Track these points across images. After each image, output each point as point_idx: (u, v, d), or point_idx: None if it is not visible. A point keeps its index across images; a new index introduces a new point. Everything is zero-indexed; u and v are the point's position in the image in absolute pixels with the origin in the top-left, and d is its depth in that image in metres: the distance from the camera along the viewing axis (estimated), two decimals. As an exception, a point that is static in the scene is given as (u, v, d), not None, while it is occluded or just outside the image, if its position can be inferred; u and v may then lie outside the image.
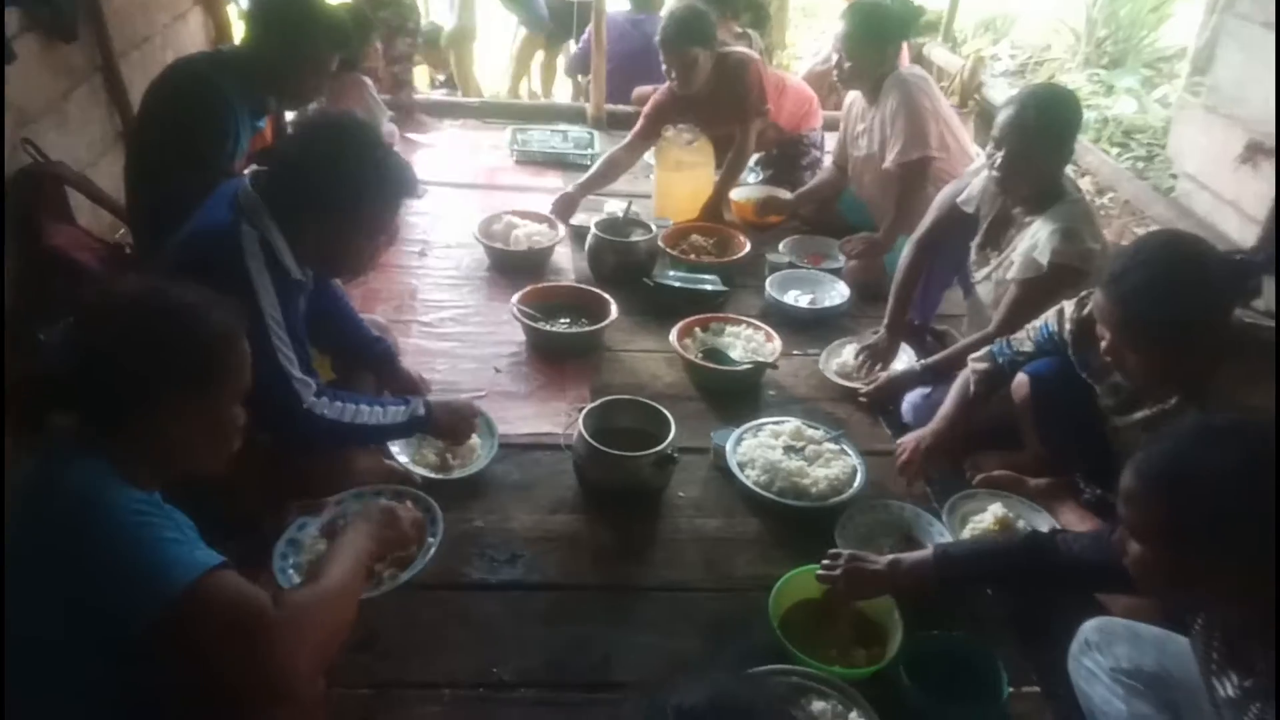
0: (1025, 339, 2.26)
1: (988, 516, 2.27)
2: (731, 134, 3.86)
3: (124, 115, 3.51)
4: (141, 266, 2.71)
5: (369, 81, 4.07)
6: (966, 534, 2.24)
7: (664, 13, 3.74)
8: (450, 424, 2.29)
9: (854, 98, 3.50)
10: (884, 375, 2.80)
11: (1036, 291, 2.36)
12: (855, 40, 3.23)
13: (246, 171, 2.21)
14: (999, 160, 2.44)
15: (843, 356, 2.96)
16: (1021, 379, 2.28)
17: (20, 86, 2.84)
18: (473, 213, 3.88)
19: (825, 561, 1.93)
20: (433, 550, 1.91)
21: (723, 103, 3.73)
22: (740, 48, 3.94)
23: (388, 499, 2.03)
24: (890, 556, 1.91)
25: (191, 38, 4.28)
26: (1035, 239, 2.40)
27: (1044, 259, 2.35)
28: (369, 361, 2.46)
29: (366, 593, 1.70)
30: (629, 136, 3.97)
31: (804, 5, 8.58)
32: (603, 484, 2.34)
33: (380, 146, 1.98)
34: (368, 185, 1.91)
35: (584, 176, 3.96)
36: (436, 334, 3.05)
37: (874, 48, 3.24)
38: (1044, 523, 2.26)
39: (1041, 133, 2.38)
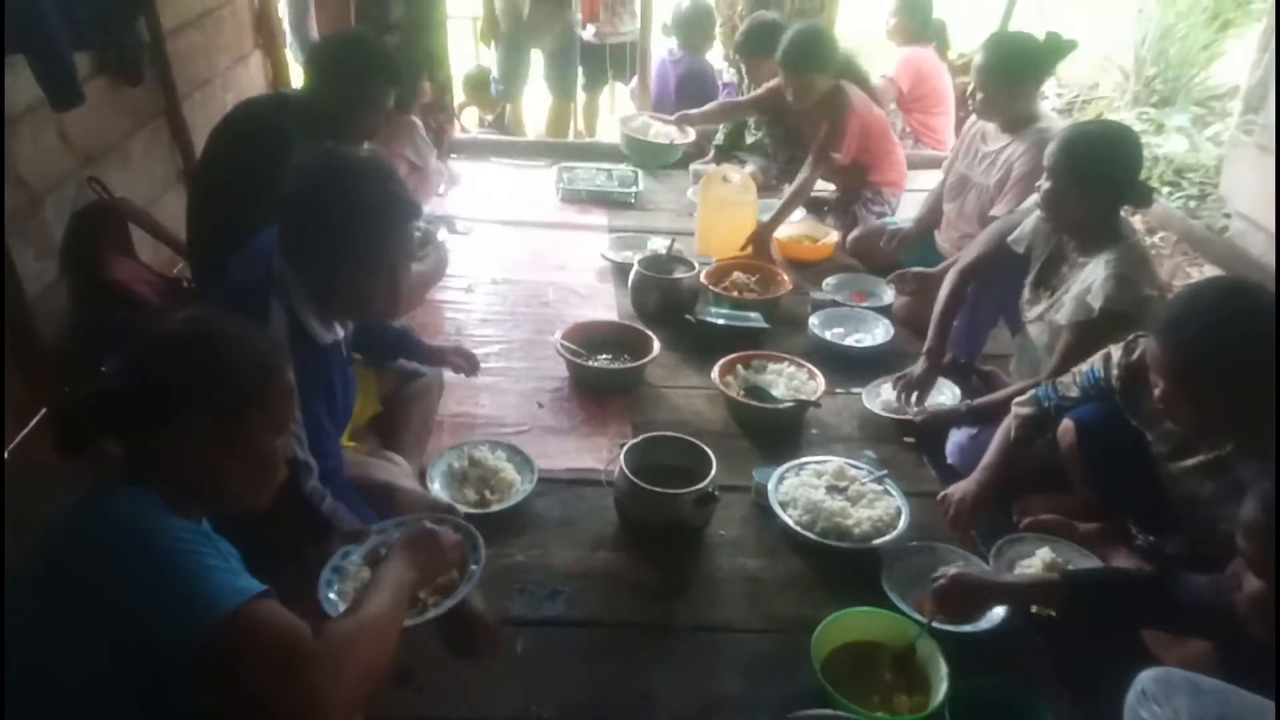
0: (1071, 384, 2.21)
1: (1036, 561, 2.23)
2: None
3: (185, 154, 3.63)
4: (198, 301, 2.78)
5: (418, 122, 4.17)
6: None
7: (788, 32, 3.86)
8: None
9: (981, 123, 3.38)
10: (929, 410, 2.77)
11: (1088, 336, 2.31)
12: (988, 72, 3.16)
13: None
14: (1045, 191, 2.43)
15: (883, 395, 2.93)
16: (1067, 425, 2.24)
17: (88, 127, 2.96)
18: (518, 250, 3.95)
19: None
20: (476, 576, 1.90)
21: (815, 130, 3.89)
22: (859, 92, 3.97)
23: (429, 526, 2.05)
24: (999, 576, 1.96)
25: (251, 80, 4.42)
26: (1088, 282, 2.36)
27: (1096, 303, 2.31)
28: (392, 346, 2.46)
29: (410, 619, 1.70)
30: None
31: (848, 45, 8.60)
32: (644, 521, 2.34)
33: (374, 182, 1.84)
34: (376, 231, 1.82)
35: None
36: (481, 369, 3.08)
37: (1007, 81, 3.14)
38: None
39: (1088, 168, 2.36)
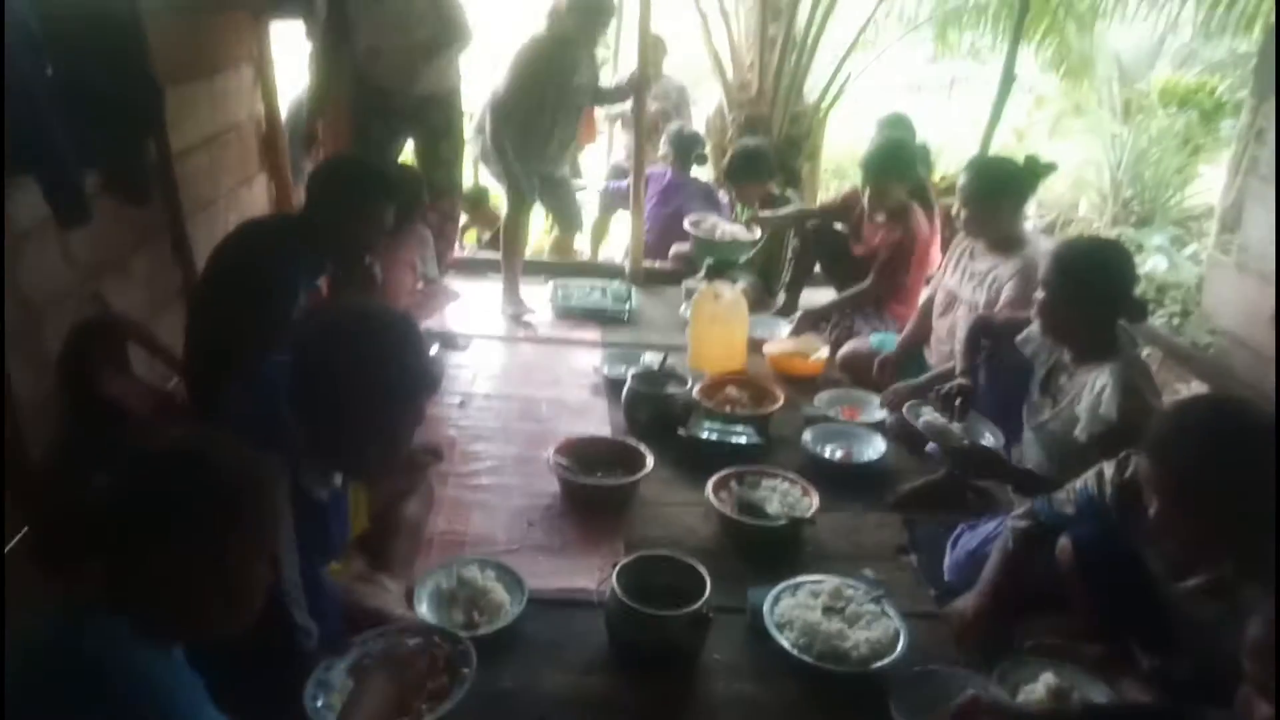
0: (1067, 500, 2.20)
1: (1039, 686, 2.16)
2: (859, 267, 4.16)
3: (186, 272, 3.69)
4: (192, 419, 2.78)
5: (429, 234, 4.19)
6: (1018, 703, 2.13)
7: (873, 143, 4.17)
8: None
9: (971, 241, 3.47)
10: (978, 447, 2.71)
11: (1111, 446, 2.26)
12: (971, 194, 3.28)
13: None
14: (1040, 304, 2.48)
15: (927, 415, 2.84)
16: (1065, 545, 2.21)
17: (92, 243, 3.01)
18: (512, 365, 3.99)
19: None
20: (468, 684, 1.89)
21: (894, 240, 4.03)
22: (925, 220, 4.13)
23: (415, 635, 2.02)
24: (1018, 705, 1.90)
25: (255, 201, 4.54)
26: (1096, 393, 2.38)
27: (1112, 415, 2.32)
28: None
29: None
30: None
31: (835, 168, 8.92)
32: (635, 643, 2.28)
33: (398, 347, 1.78)
34: (393, 401, 1.78)
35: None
36: (471, 486, 3.06)
37: (990, 200, 3.25)
38: (1100, 695, 2.14)
39: (1081, 282, 2.42)
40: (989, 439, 2.82)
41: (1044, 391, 2.63)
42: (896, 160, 4.05)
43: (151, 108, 3.20)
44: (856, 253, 4.25)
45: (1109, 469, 2.10)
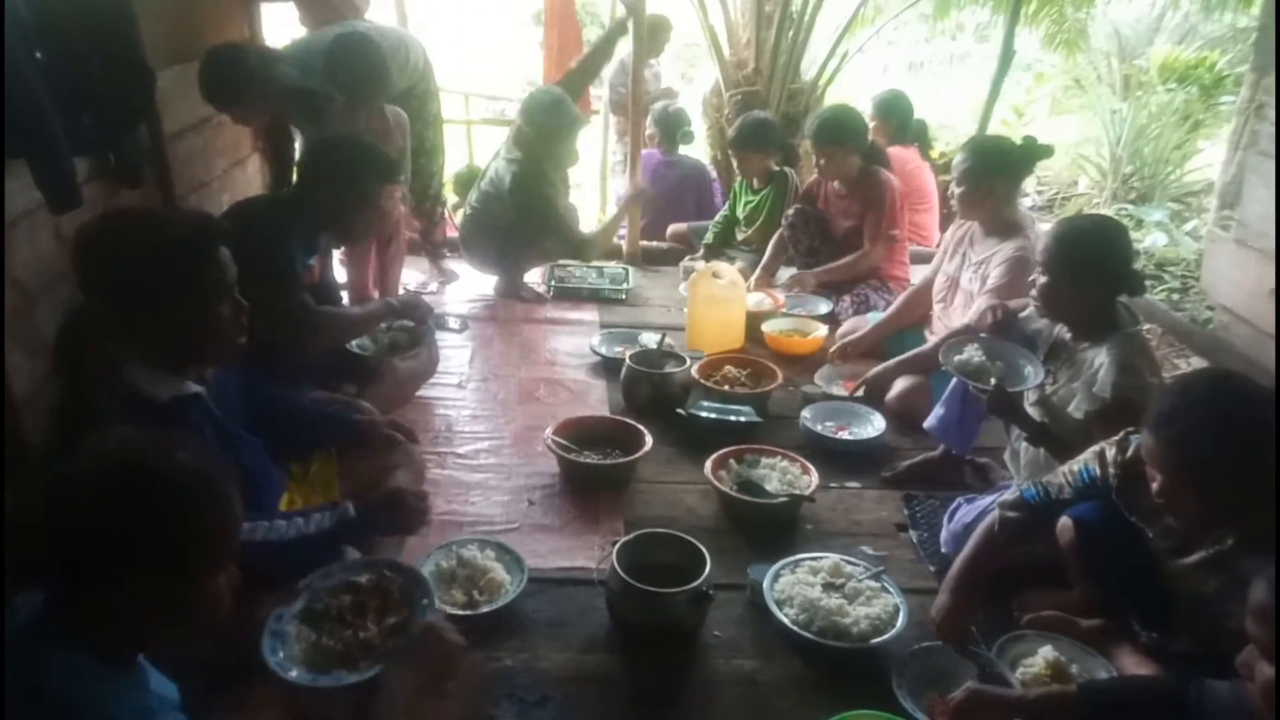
0: (1064, 485, 2.18)
1: (1038, 660, 2.17)
2: (848, 240, 4.24)
3: (180, 254, 3.67)
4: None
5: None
6: (1018, 677, 2.14)
7: (814, 115, 4.30)
8: (392, 515, 2.08)
9: (970, 225, 3.46)
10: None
11: (1106, 424, 2.28)
12: (967, 174, 3.26)
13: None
14: (1040, 286, 2.47)
15: (964, 353, 2.75)
16: (1065, 523, 2.22)
17: (86, 228, 3.00)
18: (510, 346, 3.99)
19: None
20: (428, 612, 1.85)
21: (859, 211, 4.14)
22: (891, 175, 4.19)
23: (366, 571, 1.96)
24: (1017, 691, 1.86)
25: (249, 182, 4.51)
26: (1093, 370, 2.38)
27: (1105, 392, 2.32)
28: (305, 434, 2.43)
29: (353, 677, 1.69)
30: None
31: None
32: (636, 622, 2.28)
33: (155, 233, 1.86)
34: (170, 272, 1.82)
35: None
36: (470, 466, 3.06)
37: (985, 181, 3.24)
38: (1099, 667, 2.15)
39: (1079, 261, 2.41)
40: (1029, 371, 2.68)
41: (1045, 368, 2.63)
42: (838, 127, 4.07)
43: (143, 91, 3.17)
44: (837, 231, 4.29)
45: (1110, 449, 2.09)
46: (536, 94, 4.49)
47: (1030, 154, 3.30)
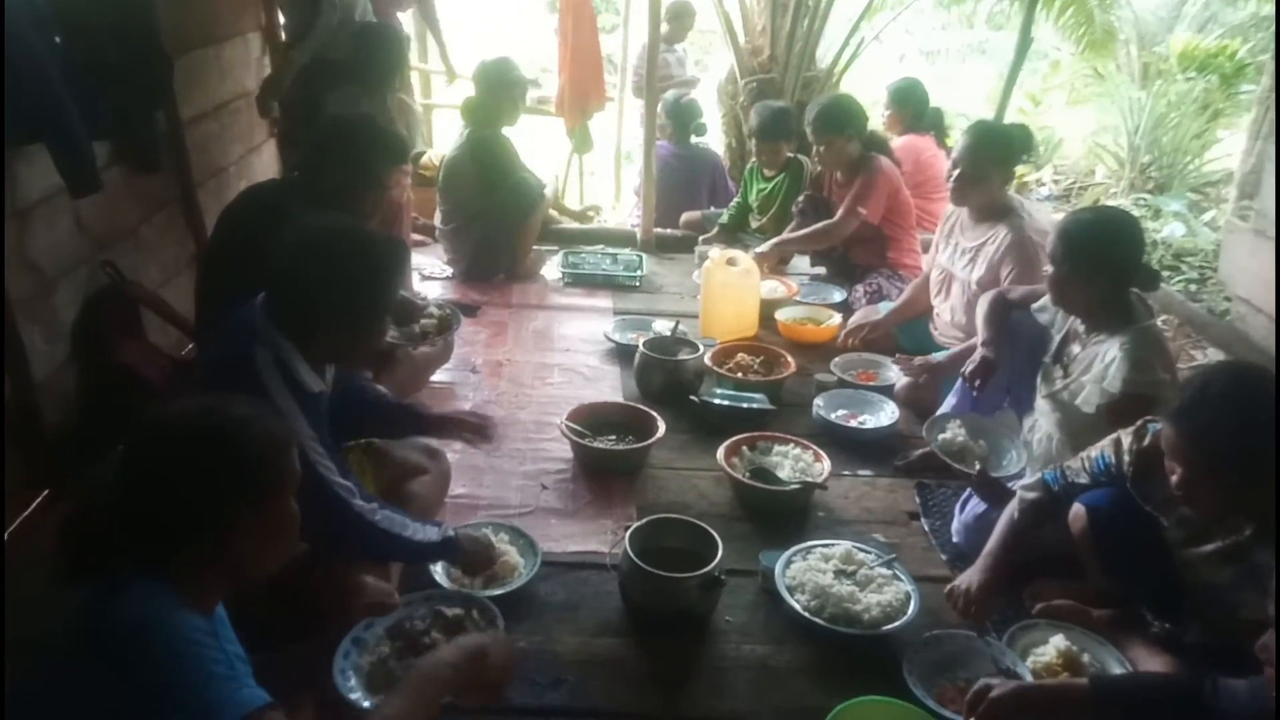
0: (1080, 470, 2.19)
1: (1050, 649, 2.17)
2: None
3: (197, 239, 3.70)
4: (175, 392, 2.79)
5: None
6: (1028, 665, 2.14)
7: (813, 104, 4.27)
8: (473, 554, 2.27)
9: (958, 213, 3.47)
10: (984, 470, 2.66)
11: (1114, 419, 2.27)
12: (962, 156, 3.26)
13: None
14: (1050, 278, 2.46)
15: (948, 432, 2.82)
16: (1079, 510, 2.21)
17: (103, 213, 3.03)
18: (524, 331, 4.00)
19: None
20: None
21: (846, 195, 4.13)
22: (889, 163, 4.20)
23: (456, 605, 2.06)
24: (1021, 685, 1.84)
25: (264, 168, 4.54)
26: (1105, 364, 2.37)
27: (1114, 387, 2.31)
28: (406, 423, 2.48)
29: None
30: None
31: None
32: (648, 606, 2.30)
33: (364, 240, 2.00)
34: (360, 286, 1.94)
35: None
36: (484, 450, 3.07)
37: (981, 167, 3.24)
38: (1110, 657, 2.15)
39: (1088, 254, 2.39)
40: (1012, 455, 2.78)
41: (1057, 360, 2.62)
42: (836, 115, 4.08)
43: (160, 77, 3.20)
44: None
45: (1127, 437, 2.09)
46: (485, 61, 4.57)
47: (1024, 143, 3.38)
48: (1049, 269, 2.50)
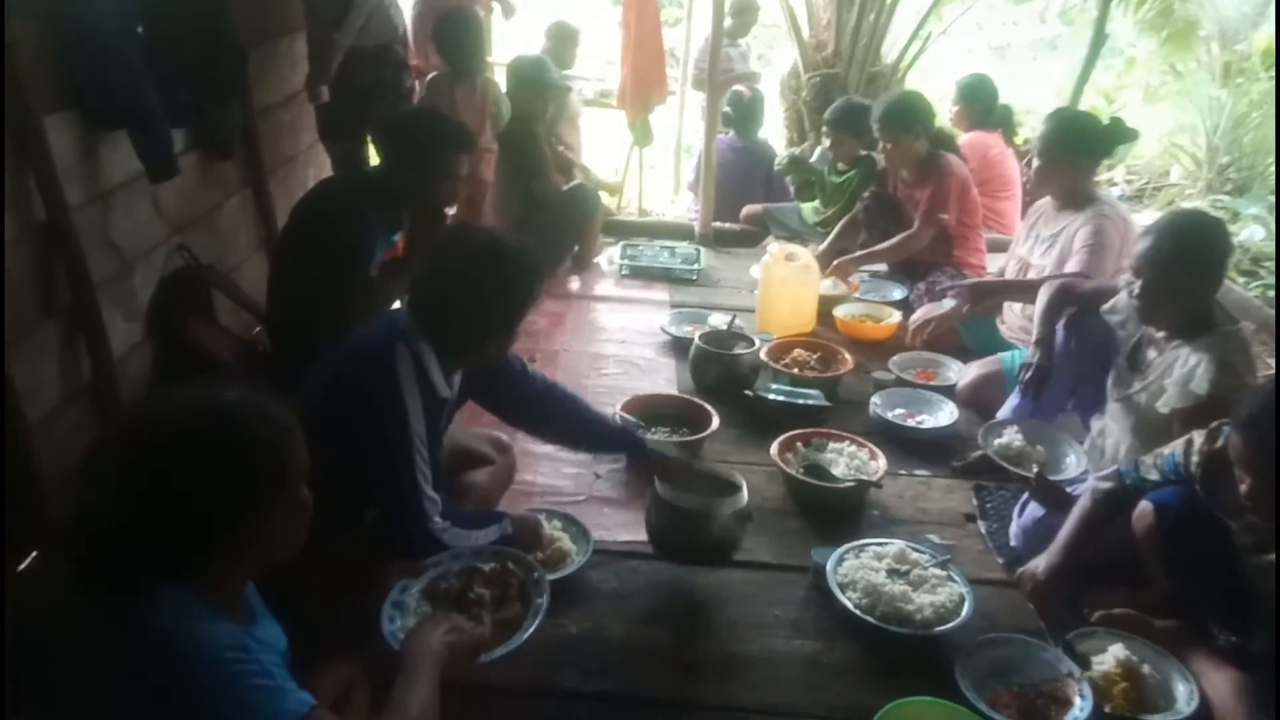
0: (1151, 466, 2.15)
1: (1109, 658, 2.11)
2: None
3: (268, 225, 3.80)
4: (283, 370, 2.87)
5: None
6: (1086, 675, 2.09)
7: (881, 101, 4.21)
8: (524, 541, 2.32)
9: (1043, 206, 3.42)
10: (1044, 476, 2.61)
11: (1197, 422, 2.20)
12: (1047, 143, 3.22)
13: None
14: (1137, 290, 2.40)
15: (1004, 438, 2.80)
16: (1145, 508, 2.16)
17: (179, 198, 3.13)
18: (581, 322, 4.02)
19: None
20: (542, 613, 1.90)
21: (919, 197, 4.06)
22: (958, 160, 4.14)
23: (489, 559, 2.07)
24: None
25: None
26: (1189, 368, 2.30)
27: (1202, 389, 2.25)
28: (616, 444, 2.61)
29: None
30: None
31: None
32: (678, 542, 2.38)
33: (509, 251, 2.10)
34: (505, 297, 2.08)
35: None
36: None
37: (1065, 153, 3.19)
38: (1172, 669, 2.09)
39: (1178, 264, 2.33)
40: (1071, 460, 2.74)
41: (1131, 363, 2.55)
42: (903, 112, 4.01)
43: (235, 67, 3.29)
44: (908, 217, 4.21)
45: (1199, 438, 2.03)
46: (520, 57, 4.66)
47: (1115, 134, 3.22)
48: (1137, 280, 2.42)
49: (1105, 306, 2.66)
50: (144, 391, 2.91)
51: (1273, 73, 8.00)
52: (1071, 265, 3.10)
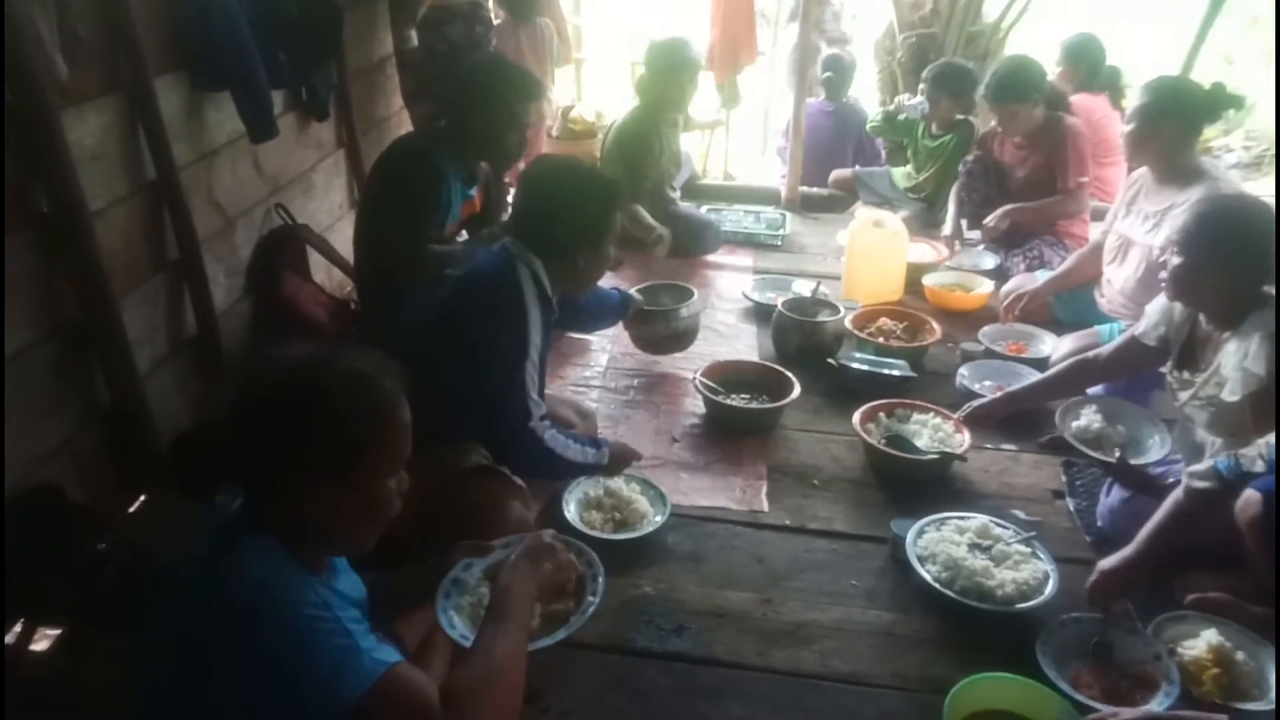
0: (1256, 457, 2.03)
1: (1200, 643, 2.04)
2: (1024, 191, 4.04)
3: (360, 185, 3.90)
4: (374, 327, 2.96)
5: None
6: (1176, 662, 2.02)
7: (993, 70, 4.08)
8: (618, 467, 2.53)
9: (1142, 178, 3.26)
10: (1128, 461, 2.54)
11: (1266, 404, 2.13)
12: (1136, 111, 3.08)
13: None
14: (1175, 269, 2.29)
15: (1082, 419, 2.74)
16: (1252, 496, 2.05)
17: (277, 158, 3.23)
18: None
19: None
20: (591, 610, 1.80)
21: (1039, 162, 3.96)
22: (1075, 119, 4.01)
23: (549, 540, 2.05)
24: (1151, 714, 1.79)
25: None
26: (1245, 349, 2.20)
27: (1259, 368, 2.14)
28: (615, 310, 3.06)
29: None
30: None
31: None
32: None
33: (594, 175, 2.39)
34: (597, 216, 2.28)
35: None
36: (622, 400, 3.15)
37: (1155, 122, 3.03)
38: (1267, 656, 2.01)
39: (1213, 247, 2.21)
40: (1154, 440, 2.65)
41: (1185, 367, 2.43)
42: (1016, 82, 3.85)
43: (332, 30, 3.36)
44: (1013, 182, 4.10)
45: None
46: (657, 39, 4.41)
47: (1216, 101, 3.03)
48: (1174, 259, 2.29)
49: (1139, 331, 2.56)
50: (243, 346, 3.04)
51: None
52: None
